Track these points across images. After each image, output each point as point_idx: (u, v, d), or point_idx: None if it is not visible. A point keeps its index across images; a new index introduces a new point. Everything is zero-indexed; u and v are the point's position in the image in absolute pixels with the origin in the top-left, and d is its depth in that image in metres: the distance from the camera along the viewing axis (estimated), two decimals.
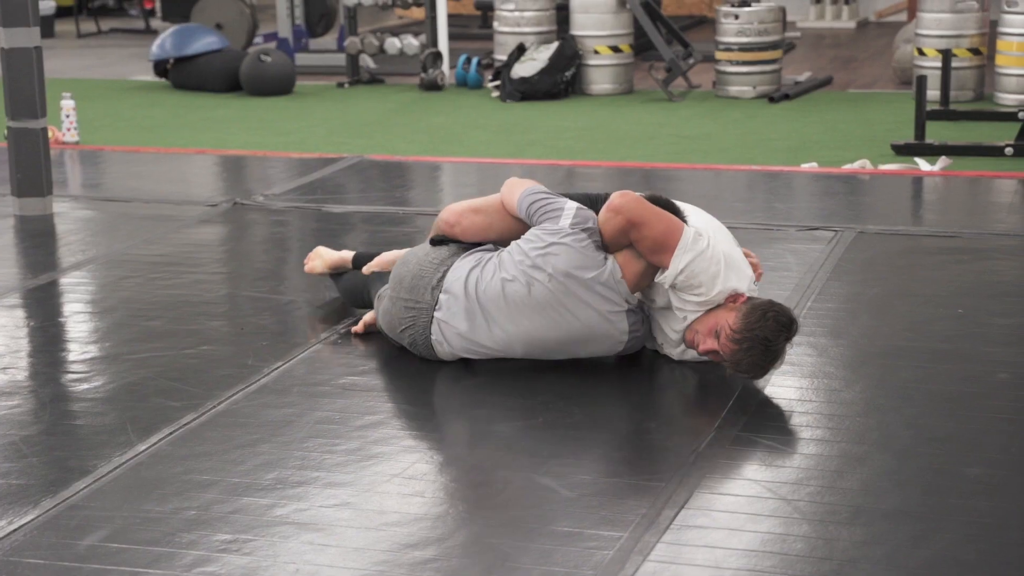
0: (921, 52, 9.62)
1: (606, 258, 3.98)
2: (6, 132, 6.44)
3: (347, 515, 3.25)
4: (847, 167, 7.24)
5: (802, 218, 6.01)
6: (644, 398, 3.95)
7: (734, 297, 3.95)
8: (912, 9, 12.31)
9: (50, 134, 6.60)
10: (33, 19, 6.18)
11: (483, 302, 4.02)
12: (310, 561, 3.03)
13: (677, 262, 3.91)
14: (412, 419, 3.86)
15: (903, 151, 7.68)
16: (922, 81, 7.80)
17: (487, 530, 3.17)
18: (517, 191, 4.15)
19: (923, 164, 7.34)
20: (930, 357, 4.24)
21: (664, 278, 3.94)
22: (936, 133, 7.99)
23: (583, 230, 3.97)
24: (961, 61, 9.44)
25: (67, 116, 8.18)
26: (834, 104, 9.63)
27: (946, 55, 8.50)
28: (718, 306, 3.94)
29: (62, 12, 14.52)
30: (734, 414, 3.79)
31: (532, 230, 4.06)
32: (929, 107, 7.96)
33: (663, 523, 3.16)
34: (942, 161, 7.31)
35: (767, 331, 3.85)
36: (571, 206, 4.03)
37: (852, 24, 13.94)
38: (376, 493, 3.37)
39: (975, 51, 9.59)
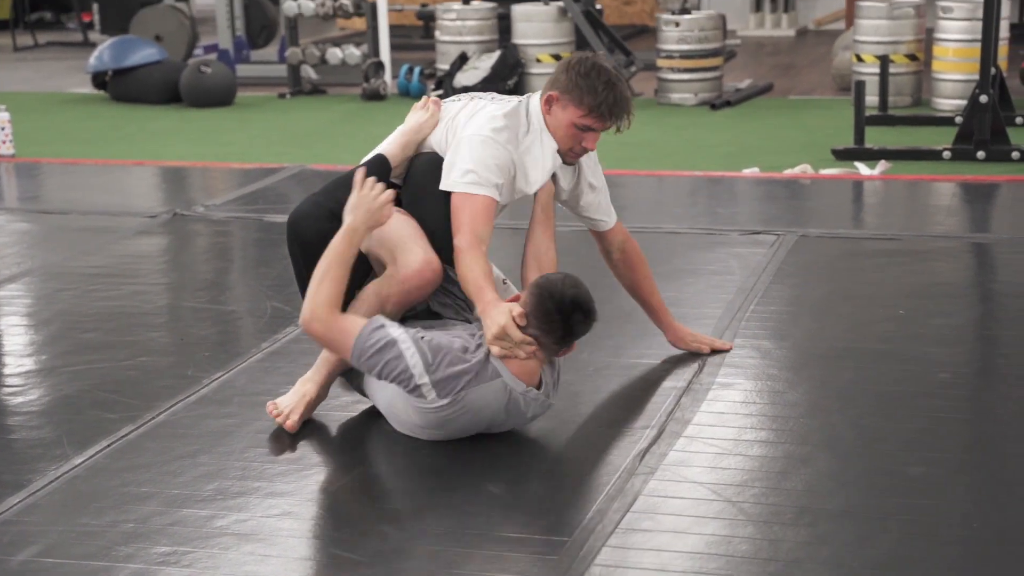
0: (859, 58, 9.70)
1: (505, 386, 3.52)
2: None
3: (289, 525, 3.20)
4: (788, 172, 7.29)
5: (744, 222, 6.03)
6: (587, 402, 3.93)
7: (547, 100, 3.83)
8: (850, 17, 12.42)
9: None
10: None
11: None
12: (251, 572, 2.98)
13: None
14: (355, 428, 3.81)
15: (843, 156, 7.74)
16: (861, 87, 7.86)
17: (432, 537, 3.14)
18: (350, 335, 3.53)
19: (863, 168, 7.40)
20: (872, 358, 4.25)
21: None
22: (875, 138, 8.06)
23: (456, 395, 3.47)
24: (898, 67, 9.52)
25: (2, 128, 8.06)
26: (775, 110, 9.69)
27: (884, 61, 8.57)
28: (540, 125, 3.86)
29: None
30: (678, 417, 3.79)
31: (410, 403, 3.53)
32: (868, 112, 8.02)
33: (608, 527, 3.14)
34: (881, 165, 7.37)
35: (580, 69, 3.77)
36: (419, 371, 3.45)
37: (792, 32, 14.05)
38: (318, 502, 3.32)
39: (912, 57, 9.68)
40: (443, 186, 3.76)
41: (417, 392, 3.49)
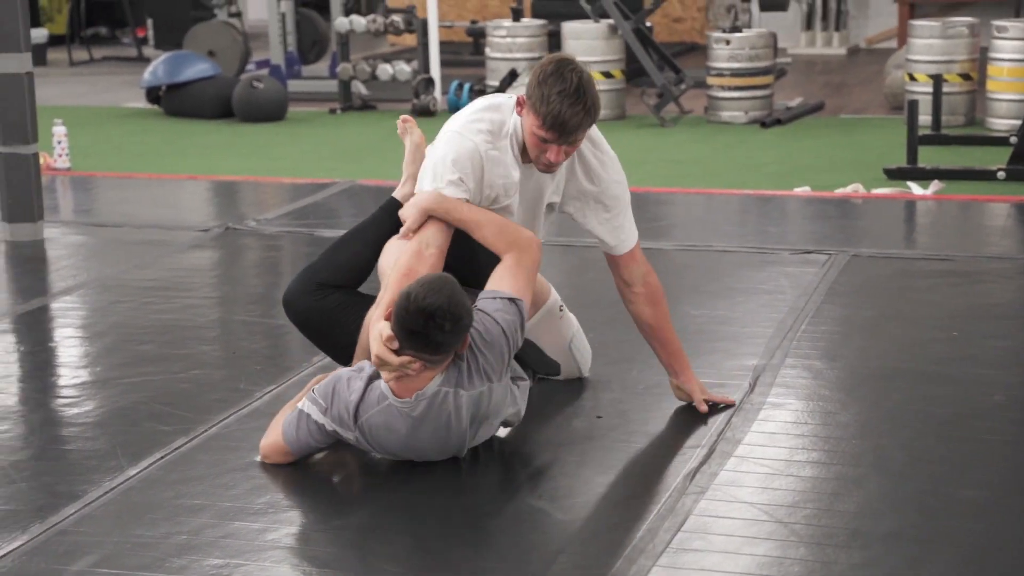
0: (912, 77, 9.64)
1: (390, 407, 3.46)
2: None
3: (339, 538, 3.22)
4: (840, 191, 7.25)
5: (795, 242, 6.00)
6: (637, 420, 3.92)
7: (518, 102, 3.66)
8: (902, 35, 12.35)
9: (41, 160, 6.58)
10: (24, 45, 6.17)
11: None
12: None
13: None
14: None
15: (895, 175, 7.69)
16: (913, 106, 7.81)
17: (480, 553, 3.14)
18: (278, 436, 3.60)
19: (916, 188, 7.35)
20: (925, 379, 4.22)
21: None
22: (928, 158, 8.00)
23: (359, 424, 3.46)
24: (952, 86, 9.45)
25: (59, 142, 8.16)
26: (826, 129, 9.64)
27: (937, 80, 8.51)
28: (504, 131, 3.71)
29: (55, 40, 14.50)
30: (728, 436, 3.77)
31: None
32: (921, 132, 7.96)
33: (659, 546, 3.13)
34: (934, 185, 7.32)
35: (539, 75, 3.58)
36: (322, 419, 3.50)
37: (843, 50, 13.98)
38: (369, 516, 3.34)
39: (966, 76, 9.61)
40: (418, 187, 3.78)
41: (337, 435, 3.51)
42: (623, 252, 3.91)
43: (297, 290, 3.90)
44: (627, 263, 3.93)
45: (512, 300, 3.57)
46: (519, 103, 3.69)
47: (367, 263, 3.90)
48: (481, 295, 3.61)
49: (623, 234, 3.90)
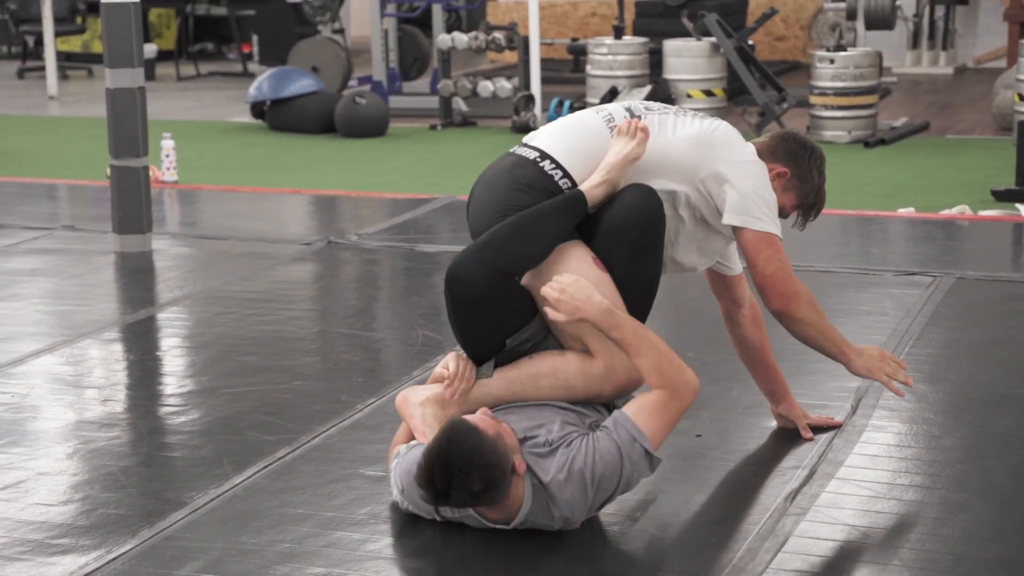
0: (1022, 98, 9.47)
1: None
2: (109, 170, 6.57)
3: (439, 552, 3.24)
4: (945, 213, 7.14)
5: (899, 263, 5.92)
6: (737, 440, 3.90)
7: (778, 174, 3.74)
8: (1012, 54, 12.13)
9: (150, 173, 6.72)
10: (137, 60, 6.31)
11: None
12: None
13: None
14: None
15: (1003, 197, 7.55)
16: (1023, 127, 7.67)
17: (584, 571, 3.14)
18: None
19: None
20: None
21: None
22: None
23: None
24: None
25: (167, 156, 8.33)
26: (931, 149, 9.50)
27: None
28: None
29: (163, 56, 14.82)
30: (830, 458, 3.74)
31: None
32: None
33: (758, 567, 3.11)
34: None
35: (818, 165, 3.79)
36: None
37: (949, 70, 13.77)
38: (470, 529, 3.35)
39: None
40: (739, 222, 3.61)
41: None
42: (739, 272, 3.94)
43: (473, 269, 3.33)
44: (740, 282, 3.95)
45: (649, 456, 3.25)
46: (778, 176, 3.76)
47: (541, 259, 3.40)
48: (624, 419, 3.24)
49: (737, 255, 3.94)
